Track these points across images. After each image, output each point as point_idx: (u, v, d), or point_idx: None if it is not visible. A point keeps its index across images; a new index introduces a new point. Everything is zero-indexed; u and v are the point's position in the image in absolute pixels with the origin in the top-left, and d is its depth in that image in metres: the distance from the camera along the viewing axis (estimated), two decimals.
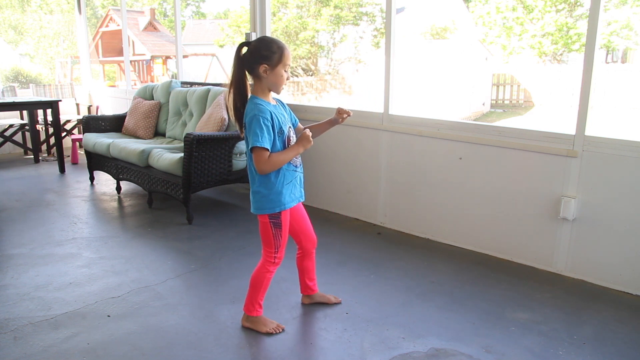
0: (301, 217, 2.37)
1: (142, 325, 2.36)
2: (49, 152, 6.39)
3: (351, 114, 2.30)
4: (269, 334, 2.28)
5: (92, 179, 4.98)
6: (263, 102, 2.08)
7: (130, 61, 11.57)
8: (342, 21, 17.65)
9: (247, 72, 2.09)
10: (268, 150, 2.04)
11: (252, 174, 2.17)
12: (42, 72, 19.80)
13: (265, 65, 2.04)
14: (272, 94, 2.17)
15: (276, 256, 2.24)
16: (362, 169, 3.79)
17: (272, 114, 2.08)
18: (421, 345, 2.19)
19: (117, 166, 4.38)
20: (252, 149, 2.03)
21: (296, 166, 2.22)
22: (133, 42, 16.92)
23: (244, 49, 2.07)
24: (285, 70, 2.08)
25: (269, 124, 2.05)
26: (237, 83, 2.08)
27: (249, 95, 2.11)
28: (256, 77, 2.08)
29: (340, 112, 2.29)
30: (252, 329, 2.31)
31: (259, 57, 2.03)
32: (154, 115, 4.81)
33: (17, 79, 18.05)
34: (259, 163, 2.04)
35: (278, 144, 2.09)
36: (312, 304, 2.56)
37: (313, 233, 2.44)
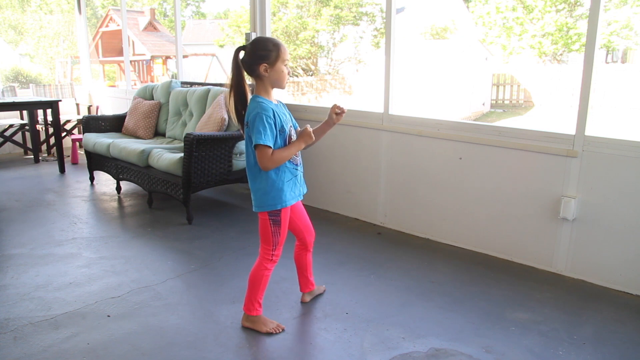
0: (302, 213, 2.41)
1: (142, 325, 2.36)
2: (49, 152, 6.39)
3: (345, 111, 2.27)
4: (269, 334, 2.28)
5: (92, 179, 4.98)
6: (265, 101, 2.10)
7: (130, 61, 11.57)
8: (342, 21, 17.65)
9: (247, 74, 2.13)
10: (271, 147, 2.06)
11: (253, 171, 2.18)
12: (42, 72, 19.80)
13: (265, 64, 2.07)
14: (274, 96, 2.20)
15: (274, 254, 2.26)
16: (362, 169, 3.79)
17: (274, 111, 2.10)
18: (421, 345, 2.19)
19: (117, 166, 4.38)
20: (256, 146, 2.05)
21: (297, 165, 2.24)
22: (133, 42, 16.92)
23: (242, 53, 2.11)
24: (285, 66, 2.12)
25: (272, 122, 2.07)
26: (237, 86, 2.11)
27: (249, 97, 2.15)
28: (257, 77, 2.11)
29: (335, 108, 2.24)
30: (252, 329, 2.31)
31: (257, 58, 2.07)
32: (154, 115, 4.81)
33: (17, 79, 18.05)
34: (263, 160, 2.06)
35: (279, 141, 2.11)
36: (312, 303, 2.56)
37: (312, 227, 2.49)
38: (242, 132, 2.19)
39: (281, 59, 2.09)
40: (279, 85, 2.14)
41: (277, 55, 2.08)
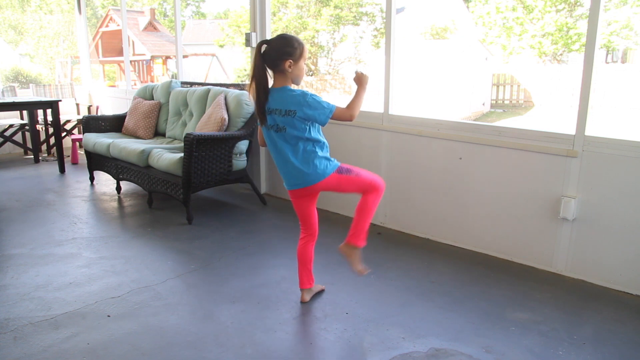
0: (313, 204, 2.50)
1: (142, 325, 2.36)
2: (49, 152, 6.39)
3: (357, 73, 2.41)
4: (359, 274, 2.47)
5: (92, 179, 4.98)
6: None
7: (130, 61, 11.57)
8: (342, 21, 17.66)
9: (269, 68, 2.26)
10: (338, 106, 2.26)
11: (306, 155, 2.26)
12: (42, 72, 19.80)
13: (290, 61, 2.22)
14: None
15: (375, 180, 2.37)
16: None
17: None
18: (421, 345, 2.19)
19: (117, 166, 4.38)
20: (334, 115, 2.23)
21: None
22: (133, 42, 16.92)
23: (264, 47, 2.23)
24: (305, 63, 2.28)
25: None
26: (260, 78, 2.24)
27: (270, 88, 2.28)
28: (280, 72, 2.25)
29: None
30: (348, 259, 2.45)
31: (283, 54, 2.21)
32: (154, 115, 4.81)
33: (17, 79, 18.05)
34: (345, 115, 2.26)
35: (309, 127, 2.25)
36: (312, 303, 2.56)
37: None
38: (261, 120, 2.29)
39: (303, 57, 2.26)
40: (298, 80, 2.30)
41: (301, 53, 2.24)
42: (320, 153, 2.29)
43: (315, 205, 2.49)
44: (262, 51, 2.23)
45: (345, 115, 2.26)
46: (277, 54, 2.21)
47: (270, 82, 2.30)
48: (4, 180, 5.14)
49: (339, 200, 3.98)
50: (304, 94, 2.21)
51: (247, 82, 2.30)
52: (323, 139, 2.33)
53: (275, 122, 2.26)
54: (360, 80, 2.35)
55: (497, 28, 17.64)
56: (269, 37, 4.36)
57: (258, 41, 4.26)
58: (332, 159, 2.34)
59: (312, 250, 2.55)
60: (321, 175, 2.29)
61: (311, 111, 2.20)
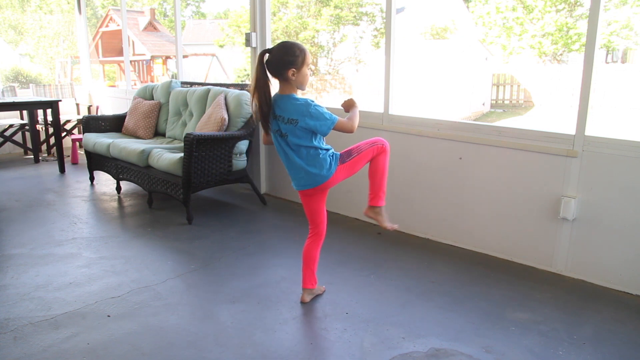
0: (323, 201, 2.53)
1: (142, 325, 2.36)
2: (49, 152, 6.39)
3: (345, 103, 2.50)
4: (391, 229, 2.48)
5: (92, 179, 4.98)
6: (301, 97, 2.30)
7: (130, 61, 11.57)
8: (342, 21, 17.66)
9: (272, 76, 2.27)
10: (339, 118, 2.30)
11: (311, 158, 2.31)
12: (42, 72, 19.80)
13: (293, 69, 2.22)
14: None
15: (376, 143, 2.43)
16: (362, 169, 3.77)
17: None
18: (421, 345, 2.19)
19: (117, 166, 4.38)
20: (335, 127, 2.28)
21: None
22: (133, 42, 16.92)
23: (267, 56, 2.24)
24: (308, 69, 2.29)
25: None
26: (262, 88, 2.25)
27: (272, 96, 2.30)
28: (284, 79, 2.26)
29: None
30: (375, 219, 2.50)
31: (285, 63, 2.21)
32: (154, 115, 4.81)
33: (17, 79, 18.05)
34: (346, 127, 2.33)
35: (309, 134, 2.28)
36: (312, 303, 2.56)
37: None
38: (265, 129, 2.34)
39: (306, 64, 2.26)
40: (302, 87, 2.31)
41: (303, 61, 2.25)
42: (323, 153, 2.33)
43: (324, 203, 2.51)
44: (264, 60, 2.24)
45: (347, 127, 2.32)
46: (279, 64, 2.21)
47: (276, 89, 2.32)
48: (4, 180, 5.14)
49: (339, 200, 3.98)
50: (307, 104, 2.22)
51: (248, 83, 2.32)
52: (325, 146, 2.36)
53: (279, 127, 2.29)
54: (349, 105, 2.44)
55: (497, 28, 17.64)
56: (269, 37, 4.36)
57: (258, 41, 4.29)
58: (333, 151, 2.38)
59: (317, 251, 2.55)
60: (329, 173, 2.34)
61: (313, 122, 2.22)
